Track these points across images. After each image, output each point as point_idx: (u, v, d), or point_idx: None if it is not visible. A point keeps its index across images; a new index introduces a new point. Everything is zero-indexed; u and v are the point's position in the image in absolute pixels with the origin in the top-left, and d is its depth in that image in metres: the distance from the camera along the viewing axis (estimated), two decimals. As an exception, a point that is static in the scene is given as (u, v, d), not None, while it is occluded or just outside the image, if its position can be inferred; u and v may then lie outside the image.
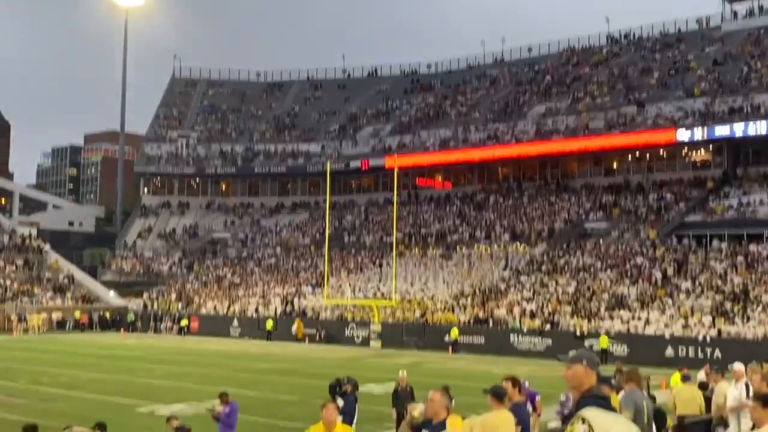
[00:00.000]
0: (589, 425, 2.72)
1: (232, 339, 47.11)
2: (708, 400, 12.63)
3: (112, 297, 57.97)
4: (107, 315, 54.45)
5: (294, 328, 45.58)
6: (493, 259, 47.88)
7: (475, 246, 50.00)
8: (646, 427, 7.21)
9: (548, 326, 37.87)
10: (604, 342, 34.44)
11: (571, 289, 40.64)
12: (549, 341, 36.73)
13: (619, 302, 38.14)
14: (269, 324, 46.28)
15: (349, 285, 48.94)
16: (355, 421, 13.51)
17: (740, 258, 39.37)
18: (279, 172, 70.77)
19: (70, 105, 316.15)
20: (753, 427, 6.08)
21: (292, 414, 19.18)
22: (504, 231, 51.67)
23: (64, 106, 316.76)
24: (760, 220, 42.81)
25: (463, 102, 68.67)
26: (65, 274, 59.43)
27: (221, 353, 37.66)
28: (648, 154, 53.83)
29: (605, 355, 32.62)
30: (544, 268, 44.39)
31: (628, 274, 40.61)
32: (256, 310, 49.53)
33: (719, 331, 33.35)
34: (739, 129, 47.57)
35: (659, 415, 10.96)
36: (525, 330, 38.24)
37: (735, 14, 62.35)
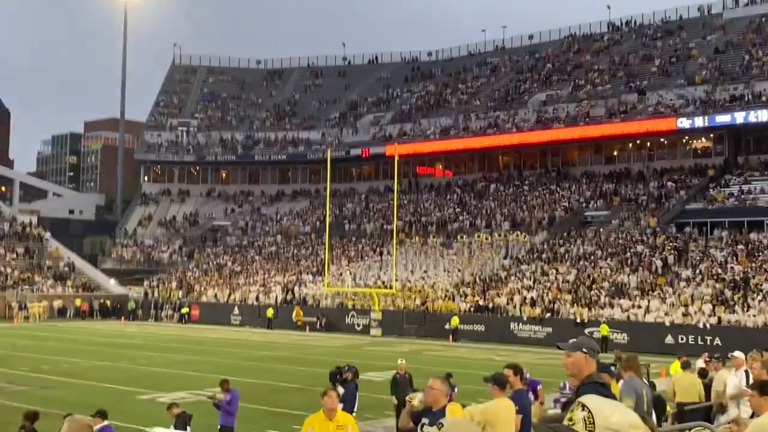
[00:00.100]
0: (589, 412, 2.71)
1: (232, 327, 47.21)
2: (707, 388, 12.67)
3: (112, 285, 58.06)
4: (108, 303, 54.54)
5: (293, 315, 45.69)
6: (493, 248, 47.89)
7: (476, 234, 49.96)
8: (646, 415, 7.21)
9: (548, 314, 37.90)
10: (604, 330, 34.52)
11: (571, 278, 40.66)
12: (549, 329, 36.77)
13: (619, 290, 38.18)
14: (270, 312, 46.38)
15: (350, 273, 48.94)
16: (355, 408, 13.59)
17: (741, 246, 39.37)
18: (279, 160, 70.65)
19: (70, 93, 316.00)
20: (752, 415, 6.10)
21: (293, 401, 19.22)
22: (504, 219, 51.65)
23: (64, 94, 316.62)
24: (761, 208, 42.74)
25: (464, 90, 68.53)
26: (66, 262, 59.50)
27: (222, 341, 37.77)
28: (649, 142, 53.78)
29: (605, 343, 32.66)
30: (544, 256, 44.41)
31: (629, 262, 40.61)
32: (257, 298, 49.58)
33: (719, 319, 33.40)
34: (740, 117, 47.46)
35: (659, 403, 11.01)
36: (525, 318, 38.30)
37: (736, 2, 62.13)
